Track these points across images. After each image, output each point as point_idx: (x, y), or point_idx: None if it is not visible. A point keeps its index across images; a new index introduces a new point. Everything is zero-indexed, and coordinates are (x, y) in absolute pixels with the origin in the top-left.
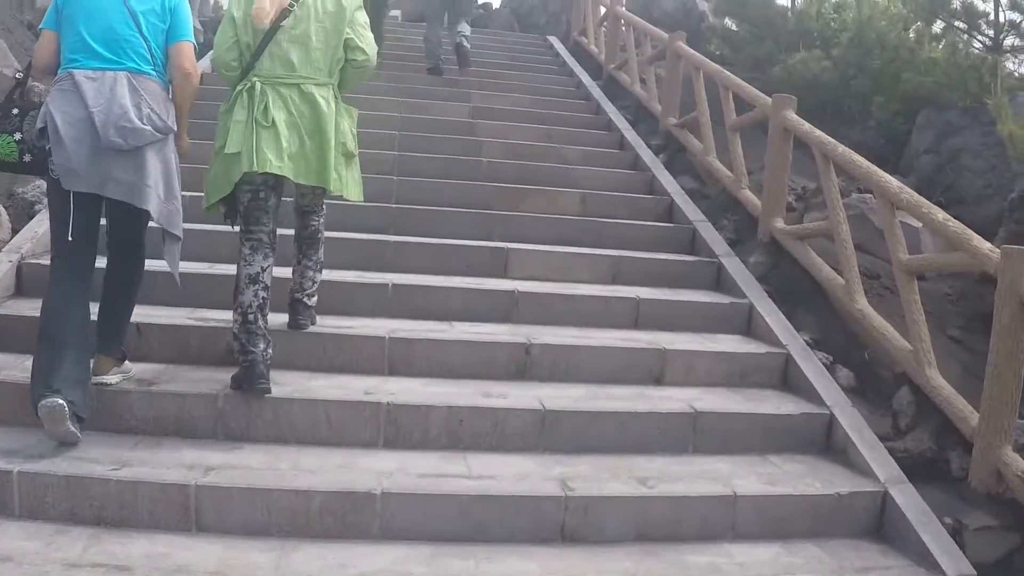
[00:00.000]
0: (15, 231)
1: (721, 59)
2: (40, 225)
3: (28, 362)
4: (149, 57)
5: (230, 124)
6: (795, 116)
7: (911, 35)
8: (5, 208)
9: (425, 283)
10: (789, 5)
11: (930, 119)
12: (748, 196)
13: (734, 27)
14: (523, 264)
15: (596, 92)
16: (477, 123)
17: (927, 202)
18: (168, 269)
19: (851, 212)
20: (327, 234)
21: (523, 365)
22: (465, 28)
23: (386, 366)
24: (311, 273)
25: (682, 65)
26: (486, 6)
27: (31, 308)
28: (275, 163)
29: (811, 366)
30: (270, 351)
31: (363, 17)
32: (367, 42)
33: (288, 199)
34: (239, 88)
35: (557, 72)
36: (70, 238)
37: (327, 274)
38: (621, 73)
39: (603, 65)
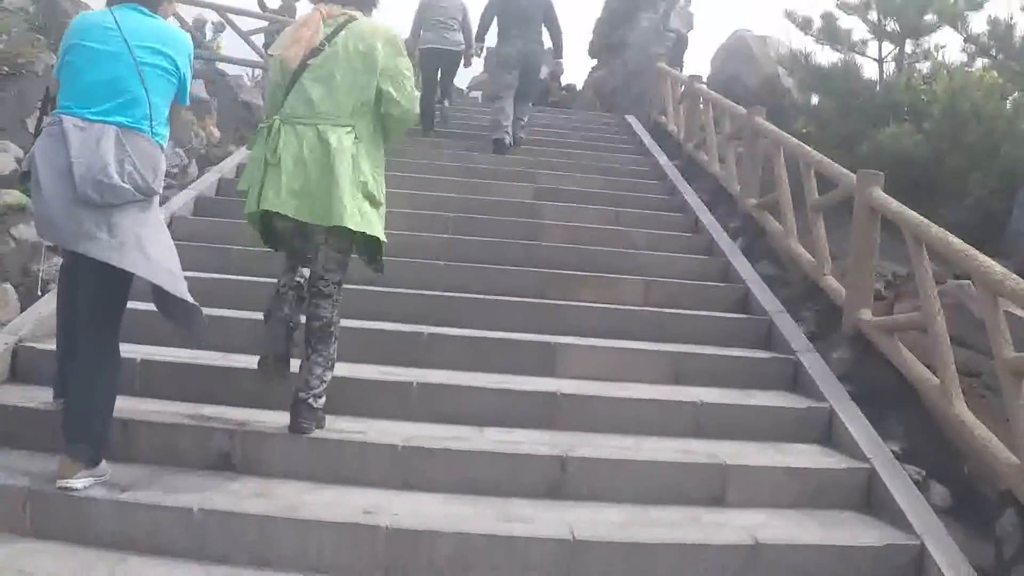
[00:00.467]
0: (23, 310)
1: (807, 137)
2: (46, 306)
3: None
4: (148, 115)
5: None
6: (882, 194)
7: (1008, 106)
8: (16, 287)
9: (456, 382)
10: (877, 77)
11: None
12: (831, 283)
13: (819, 103)
14: (573, 361)
15: (672, 172)
16: (540, 205)
17: None
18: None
19: (947, 301)
20: (353, 323)
21: (557, 482)
22: (524, 112)
23: (399, 479)
24: (318, 371)
25: (762, 143)
26: (569, 87)
27: (22, 396)
28: (273, 200)
29: (899, 483)
30: (298, 318)
31: (405, 64)
32: (405, 94)
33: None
34: (261, 126)
35: (633, 152)
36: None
37: (344, 369)
38: (700, 152)
39: (681, 144)
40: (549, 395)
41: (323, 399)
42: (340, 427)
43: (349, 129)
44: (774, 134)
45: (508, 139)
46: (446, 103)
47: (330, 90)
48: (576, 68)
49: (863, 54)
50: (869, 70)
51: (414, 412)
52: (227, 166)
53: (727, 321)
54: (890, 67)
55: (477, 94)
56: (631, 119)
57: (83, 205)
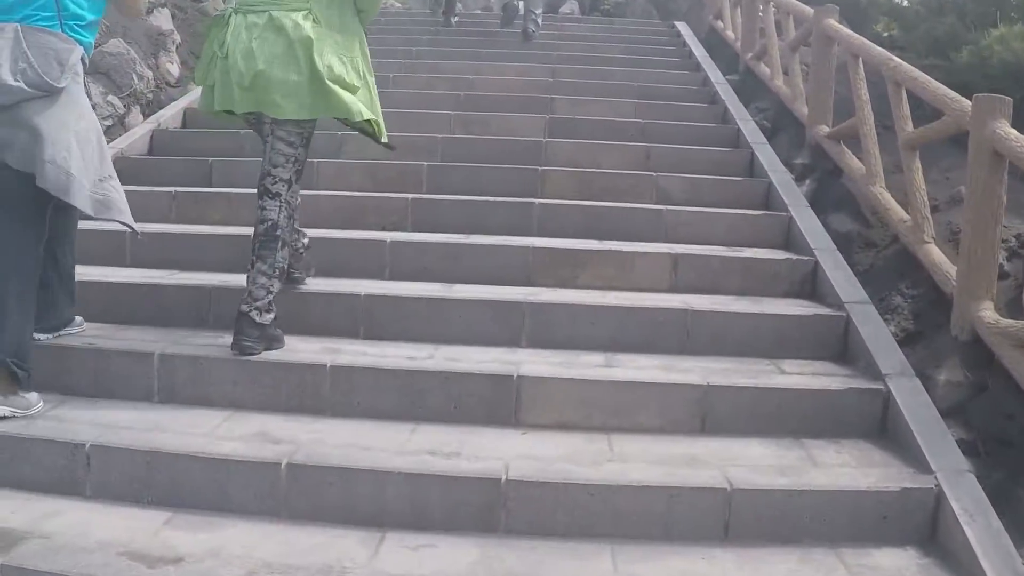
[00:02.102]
0: None
1: (889, 42)
2: None
3: None
4: (55, 7)
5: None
6: (1012, 131)
7: None
8: None
9: (343, 463)
10: None
11: None
12: (934, 255)
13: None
14: (544, 402)
15: (725, 91)
16: (549, 144)
17: None
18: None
19: None
20: None
21: None
22: (537, 2)
23: None
24: (263, 280)
25: (835, 51)
26: None
27: None
28: (223, 98)
29: None
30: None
31: None
32: None
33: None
34: (216, 15)
35: (679, 66)
36: None
37: None
38: (760, 64)
39: (739, 55)
40: (491, 481)
41: (272, 314)
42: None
43: (306, 12)
44: (851, 41)
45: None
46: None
47: None
48: None
49: None
50: None
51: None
52: (167, 115)
53: (782, 320)
54: None
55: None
56: (681, 26)
57: None
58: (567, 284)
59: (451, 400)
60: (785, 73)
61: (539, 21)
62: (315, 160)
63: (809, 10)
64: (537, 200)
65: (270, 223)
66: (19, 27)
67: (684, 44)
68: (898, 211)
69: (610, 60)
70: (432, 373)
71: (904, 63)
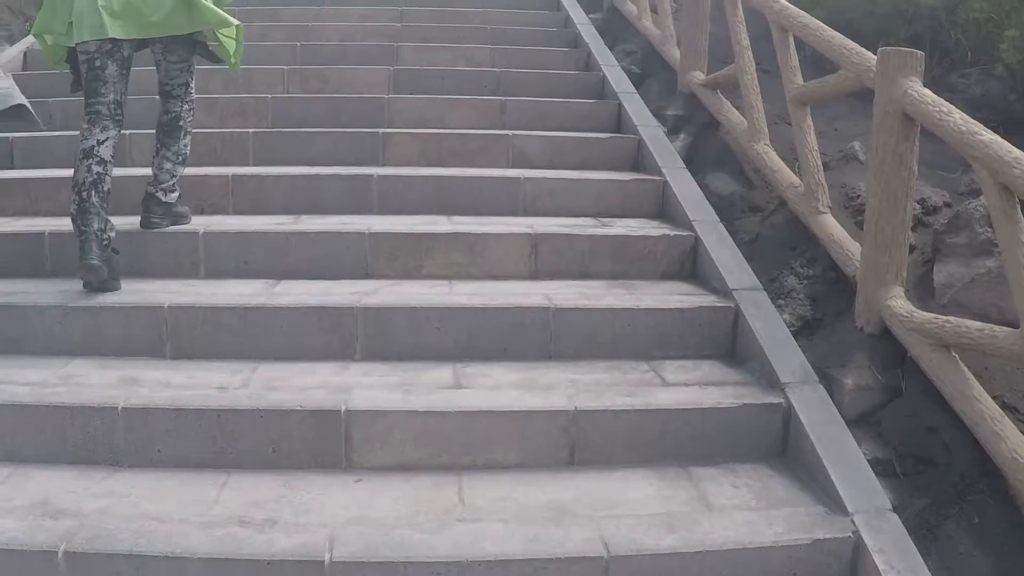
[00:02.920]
0: None
1: None
2: None
3: None
4: None
5: None
6: (926, 91)
7: None
8: None
9: (133, 546)
10: None
11: None
12: (831, 228)
13: None
14: (381, 441)
15: (589, 32)
16: (394, 101)
17: None
18: None
19: None
20: None
21: None
22: None
23: None
24: (167, 165)
25: None
26: None
27: None
28: (91, 28)
29: None
30: (111, 233)
31: None
32: None
33: None
34: None
35: (537, 5)
36: None
37: None
38: (625, 2)
39: None
40: None
41: (176, 193)
42: None
43: None
44: None
45: None
46: None
47: None
48: None
49: None
50: None
51: None
52: None
53: (660, 316)
54: None
55: None
56: None
57: None
58: (411, 275)
59: (269, 443)
60: (654, 12)
61: None
62: (126, 132)
63: None
64: (377, 171)
65: (173, 114)
66: None
67: None
68: (787, 174)
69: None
70: (245, 412)
71: (791, 6)
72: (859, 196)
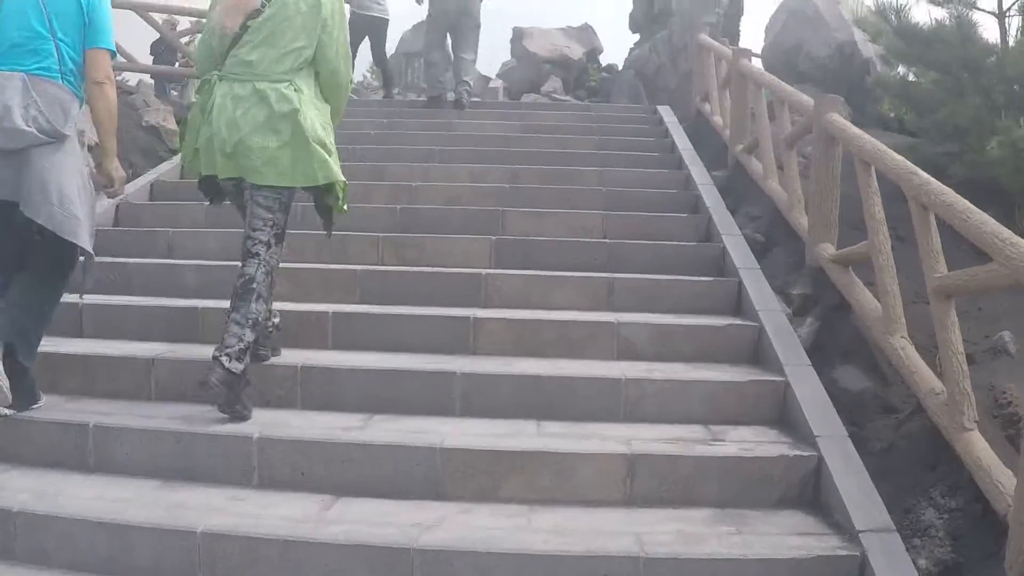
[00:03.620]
0: None
1: (898, 125)
2: None
3: None
4: (56, 60)
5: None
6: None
7: None
8: None
9: None
10: (999, 41)
11: None
12: (976, 449)
13: (916, 78)
14: None
15: (711, 195)
16: (493, 277)
17: None
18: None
19: None
20: None
21: None
22: (468, 70)
23: None
24: (235, 328)
25: (839, 152)
26: (610, 68)
27: None
28: (207, 163)
29: None
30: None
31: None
32: (337, 52)
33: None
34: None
35: (658, 163)
36: None
37: None
38: (751, 159)
39: (728, 145)
40: None
41: (241, 363)
42: None
43: (287, 83)
44: (857, 142)
45: (445, 95)
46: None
47: (269, 50)
48: (617, 44)
49: (974, 6)
50: (988, 30)
51: None
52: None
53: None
54: (1017, 23)
55: (498, 83)
56: (664, 111)
57: None
58: (487, 497)
59: None
60: (780, 169)
61: (471, 88)
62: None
63: (808, 101)
64: (460, 368)
65: (247, 277)
66: (26, 76)
67: (666, 134)
68: (927, 376)
69: (575, 158)
70: None
71: (933, 180)
72: (1011, 403)
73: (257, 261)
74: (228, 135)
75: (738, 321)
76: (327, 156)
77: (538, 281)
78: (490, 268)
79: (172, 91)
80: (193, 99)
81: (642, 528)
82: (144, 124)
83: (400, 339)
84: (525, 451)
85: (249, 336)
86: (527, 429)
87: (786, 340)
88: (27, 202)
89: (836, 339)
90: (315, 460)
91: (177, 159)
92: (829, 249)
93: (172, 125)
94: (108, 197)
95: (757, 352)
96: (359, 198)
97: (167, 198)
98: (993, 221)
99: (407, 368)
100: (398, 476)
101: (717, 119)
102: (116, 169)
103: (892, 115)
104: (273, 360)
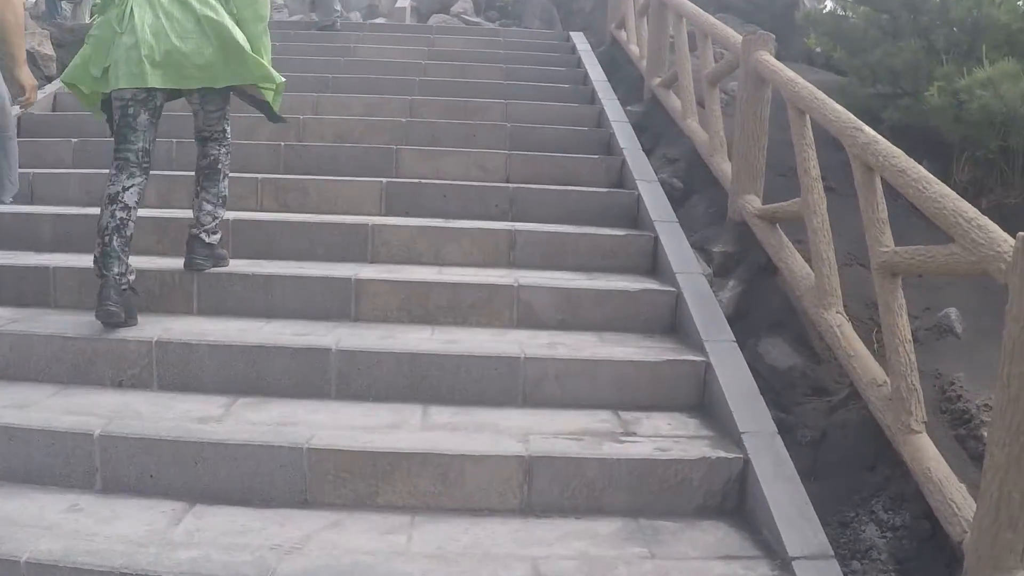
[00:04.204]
0: None
1: (824, 62)
2: None
3: None
4: None
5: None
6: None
7: None
8: None
9: None
10: None
11: None
12: (926, 456)
13: (847, 13)
14: None
15: (625, 134)
16: (381, 229)
17: None
18: None
19: None
20: None
21: None
22: None
23: None
24: (208, 207)
25: (768, 95)
26: None
27: None
28: (127, 76)
29: None
30: (130, 276)
31: None
32: None
33: None
34: (96, 2)
35: (569, 96)
36: None
37: None
38: (669, 94)
39: (644, 77)
40: None
41: (218, 235)
42: None
43: None
44: (791, 87)
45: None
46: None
47: None
48: None
49: None
50: None
51: None
52: None
53: None
54: None
55: (406, 3)
56: (577, 38)
57: None
58: (363, 504)
59: None
60: (701, 107)
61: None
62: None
63: (735, 37)
64: (337, 344)
65: (212, 158)
66: None
67: (579, 63)
68: (868, 364)
69: (479, 90)
70: None
71: (882, 139)
72: (960, 397)
73: (217, 144)
74: (156, 43)
75: (654, 285)
76: (260, 58)
77: (431, 233)
78: (380, 216)
79: (63, 5)
80: (88, 20)
81: (540, 550)
82: None
83: (274, 303)
84: (406, 452)
85: (221, 213)
86: (411, 418)
87: (707, 310)
88: None
89: (762, 305)
90: (165, 461)
91: (51, 88)
92: (754, 202)
93: (48, 50)
94: (21, 107)
95: (674, 321)
96: (241, 134)
97: (32, 134)
98: (955, 195)
99: (276, 344)
100: (259, 480)
101: (633, 48)
102: (28, 77)
103: (819, 50)
104: (124, 333)
